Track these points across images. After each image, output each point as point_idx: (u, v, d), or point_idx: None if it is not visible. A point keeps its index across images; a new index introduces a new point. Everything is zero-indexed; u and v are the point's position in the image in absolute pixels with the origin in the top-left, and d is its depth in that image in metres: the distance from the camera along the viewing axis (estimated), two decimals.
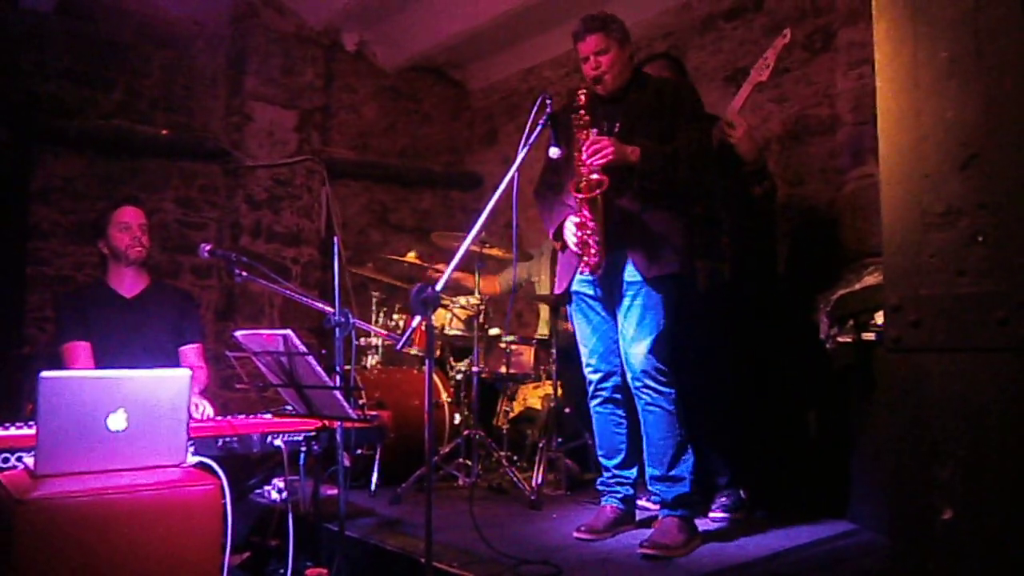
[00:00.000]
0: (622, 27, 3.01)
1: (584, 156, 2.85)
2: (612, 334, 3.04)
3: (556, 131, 2.83)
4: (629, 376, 2.95)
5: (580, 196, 2.86)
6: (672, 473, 2.90)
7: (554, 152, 2.84)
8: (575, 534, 2.99)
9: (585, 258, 2.91)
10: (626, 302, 2.93)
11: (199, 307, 4.03)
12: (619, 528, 3.05)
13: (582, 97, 2.95)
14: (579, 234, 2.91)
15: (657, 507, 3.03)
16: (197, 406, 3.19)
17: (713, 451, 3.31)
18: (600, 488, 3.19)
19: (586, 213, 2.88)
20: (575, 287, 3.10)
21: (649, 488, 3.00)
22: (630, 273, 2.92)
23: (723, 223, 3.47)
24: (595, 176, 2.83)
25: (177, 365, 3.36)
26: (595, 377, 3.12)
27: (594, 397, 3.15)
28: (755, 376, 3.52)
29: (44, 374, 2.06)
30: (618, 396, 3.08)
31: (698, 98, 3.15)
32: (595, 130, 2.92)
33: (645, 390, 2.90)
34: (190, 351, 3.51)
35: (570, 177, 2.94)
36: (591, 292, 3.06)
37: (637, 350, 2.89)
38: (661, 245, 2.90)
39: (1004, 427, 1.37)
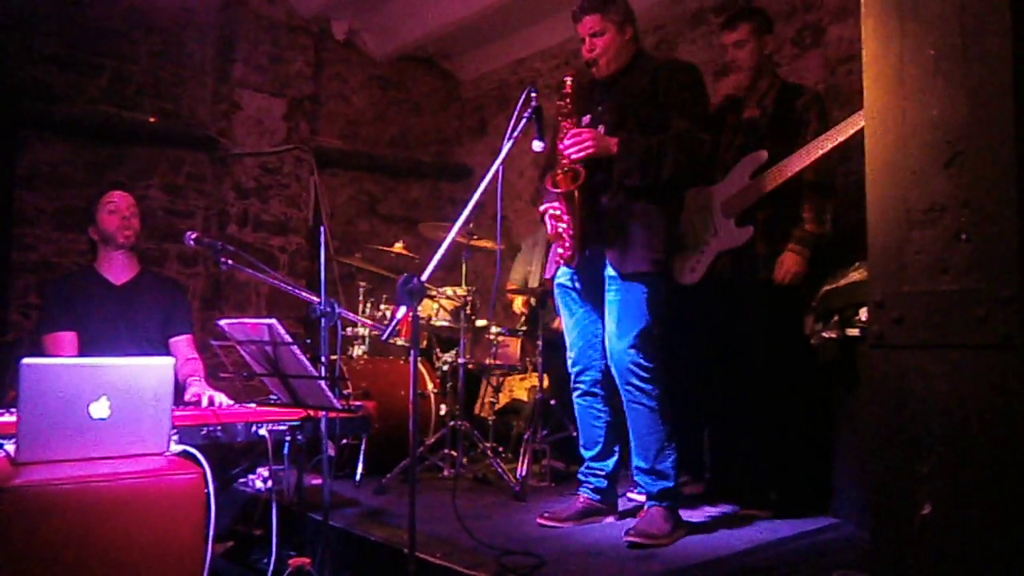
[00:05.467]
0: (623, 8, 2.93)
1: (562, 148, 2.84)
2: (592, 328, 3.04)
3: (540, 124, 2.80)
4: (614, 371, 2.94)
5: (557, 191, 2.86)
6: (657, 468, 2.91)
7: (537, 146, 2.81)
8: (538, 520, 3.01)
9: (560, 250, 2.91)
10: (608, 297, 2.92)
11: (188, 296, 4.00)
12: (586, 519, 3.05)
13: (568, 84, 2.93)
14: (555, 225, 2.90)
15: (644, 499, 3.04)
16: (212, 398, 3.16)
17: (692, 445, 3.34)
18: (579, 477, 3.21)
19: (563, 206, 2.87)
20: (558, 279, 3.10)
21: (635, 479, 3.01)
22: (610, 269, 2.91)
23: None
24: (571, 169, 2.83)
25: (165, 354, 3.33)
26: (574, 370, 3.13)
27: (574, 389, 3.16)
28: (738, 370, 3.52)
29: (26, 361, 2.03)
30: (596, 390, 3.09)
31: (696, 80, 2.96)
32: (572, 120, 2.91)
33: (628, 387, 2.90)
34: (181, 341, 3.47)
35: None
36: (571, 285, 3.07)
37: (619, 347, 2.88)
38: (641, 241, 2.86)
39: (984, 423, 1.38)
